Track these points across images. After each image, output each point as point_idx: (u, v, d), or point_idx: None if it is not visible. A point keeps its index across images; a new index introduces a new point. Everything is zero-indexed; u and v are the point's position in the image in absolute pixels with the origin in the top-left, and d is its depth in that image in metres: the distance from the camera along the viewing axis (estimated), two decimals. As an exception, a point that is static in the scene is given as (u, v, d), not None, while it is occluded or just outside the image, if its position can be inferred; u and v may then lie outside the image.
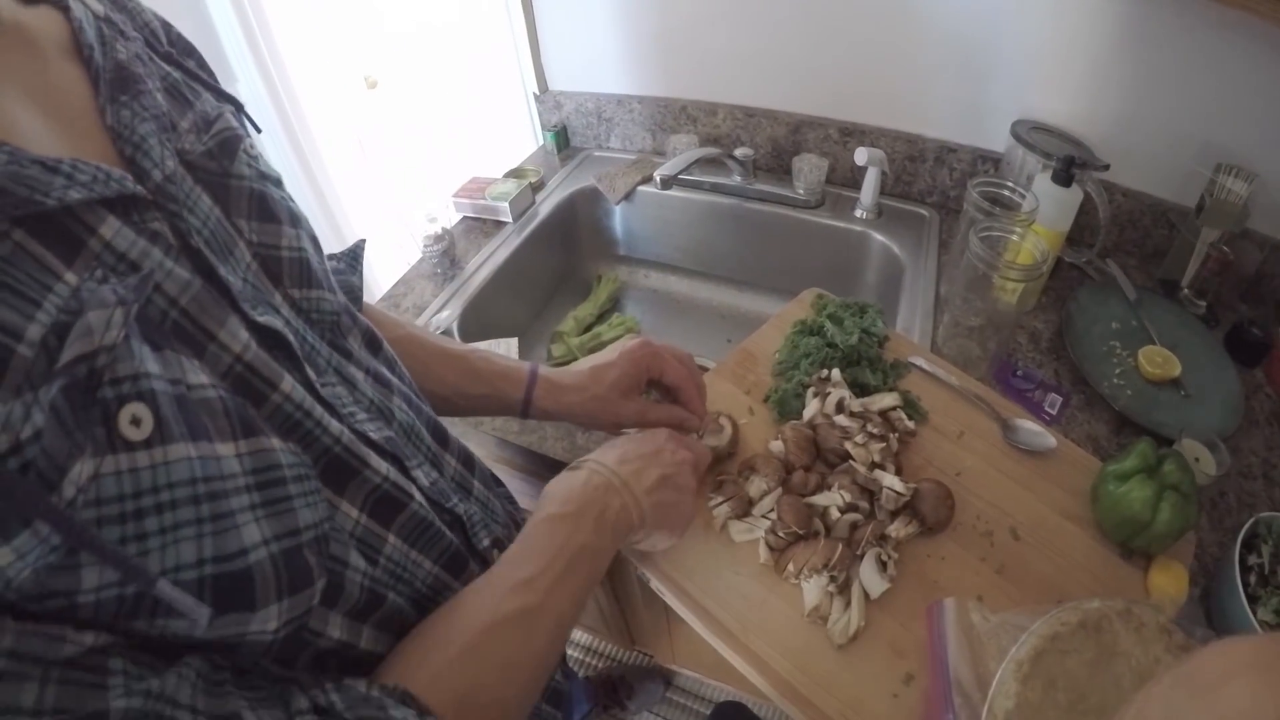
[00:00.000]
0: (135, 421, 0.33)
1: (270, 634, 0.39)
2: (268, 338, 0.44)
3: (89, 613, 0.32)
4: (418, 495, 0.54)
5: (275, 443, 0.41)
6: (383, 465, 0.50)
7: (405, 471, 0.54)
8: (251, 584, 0.37)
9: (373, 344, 0.61)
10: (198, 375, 0.38)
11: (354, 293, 0.72)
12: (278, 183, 0.53)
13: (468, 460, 0.69)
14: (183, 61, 0.53)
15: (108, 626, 0.33)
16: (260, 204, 0.49)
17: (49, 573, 0.30)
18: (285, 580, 0.39)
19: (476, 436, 1.08)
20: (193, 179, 0.45)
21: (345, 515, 0.47)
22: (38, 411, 0.30)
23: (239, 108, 0.55)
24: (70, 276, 0.34)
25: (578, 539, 0.59)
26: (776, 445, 0.85)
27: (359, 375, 0.55)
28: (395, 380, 0.61)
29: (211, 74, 0.57)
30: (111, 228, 0.37)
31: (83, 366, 0.32)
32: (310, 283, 0.52)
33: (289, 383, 0.44)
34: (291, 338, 0.46)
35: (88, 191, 0.35)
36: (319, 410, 0.45)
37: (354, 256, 0.74)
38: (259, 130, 0.58)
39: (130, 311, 0.34)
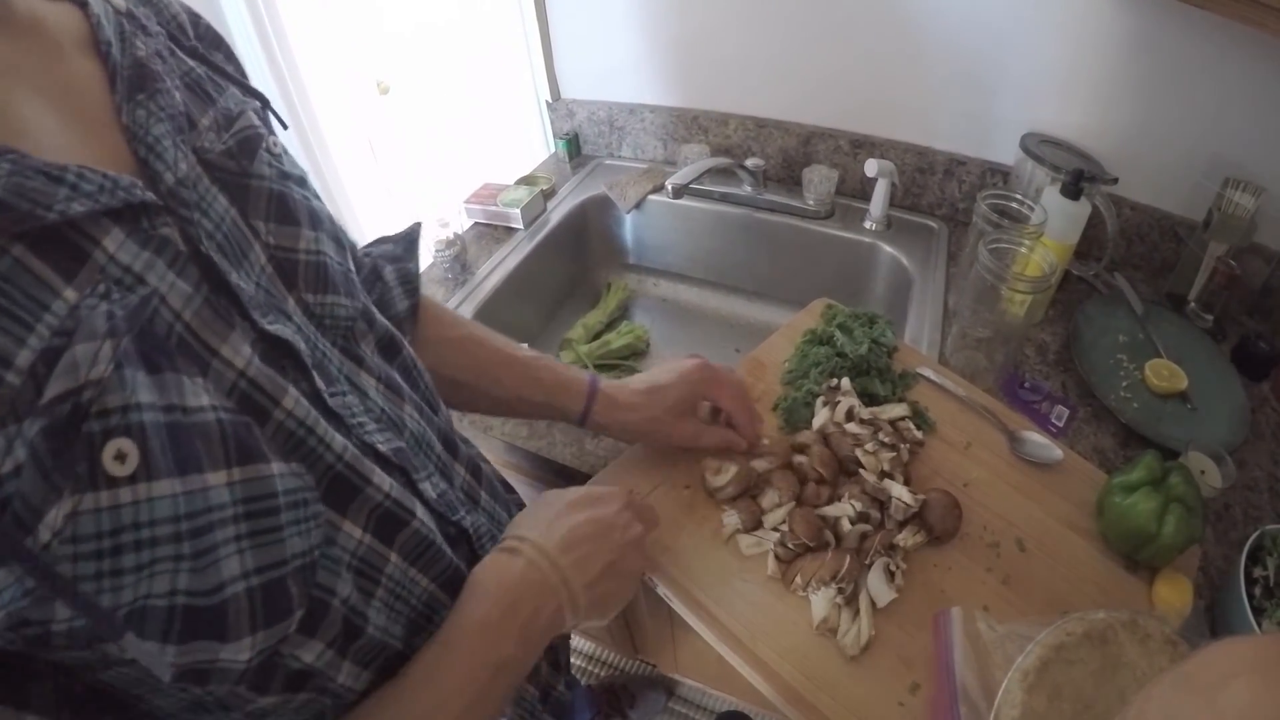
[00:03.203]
0: (120, 457, 0.33)
1: (242, 663, 0.38)
2: (276, 347, 0.44)
3: (62, 640, 0.32)
4: (420, 512, 0.52)
5: (274, 468, 0.40)
6: (386, 482, 0.49)
7: (412, 484, 0.53)
8: (224, 617, 0.37)
9: (389, 349, 0.61)
10: (198, 397, 0.37)
11: (410, 280, 0.72)
12: (301, 181, 0.53)
13: (476, 471, 0.68)
14: (209, 55, 0.52)
15: (83, 648, 0.33)
16: (280, 205, 0.49)
17: (24, 609, 0.30)
18: (261, 613, 0.38)
19: (485, 440, 1.08)
20: (210, 179, 0.44)
21: (348, 536, 0.46)
22: (20, 446, 0.29)
23: (265, 103, 0.55)
24: (70, 293, 0.33)
25: (501, 651, 0.54)
26: (800, 459, 0.85)
27: (371, 384, 0.54)
28: (409, 388, 0.60)
29: (240, 67, 0.57)
30: (116, 240, 0.36)
31: (66, 405, 0.31)
32: (326, 287, 0.51)
33: (292, 398, 0.43)
34: (302, 345, 0.45)
35: (92, 203, 0.34)
36: (323, 426, 0.44)
37: (410, 240, 0.74)
38: (285, 127, 0.58)
39: (120, 344, 0.33)
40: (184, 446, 0.35)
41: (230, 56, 0.56)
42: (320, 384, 0.46)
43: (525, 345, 0.82)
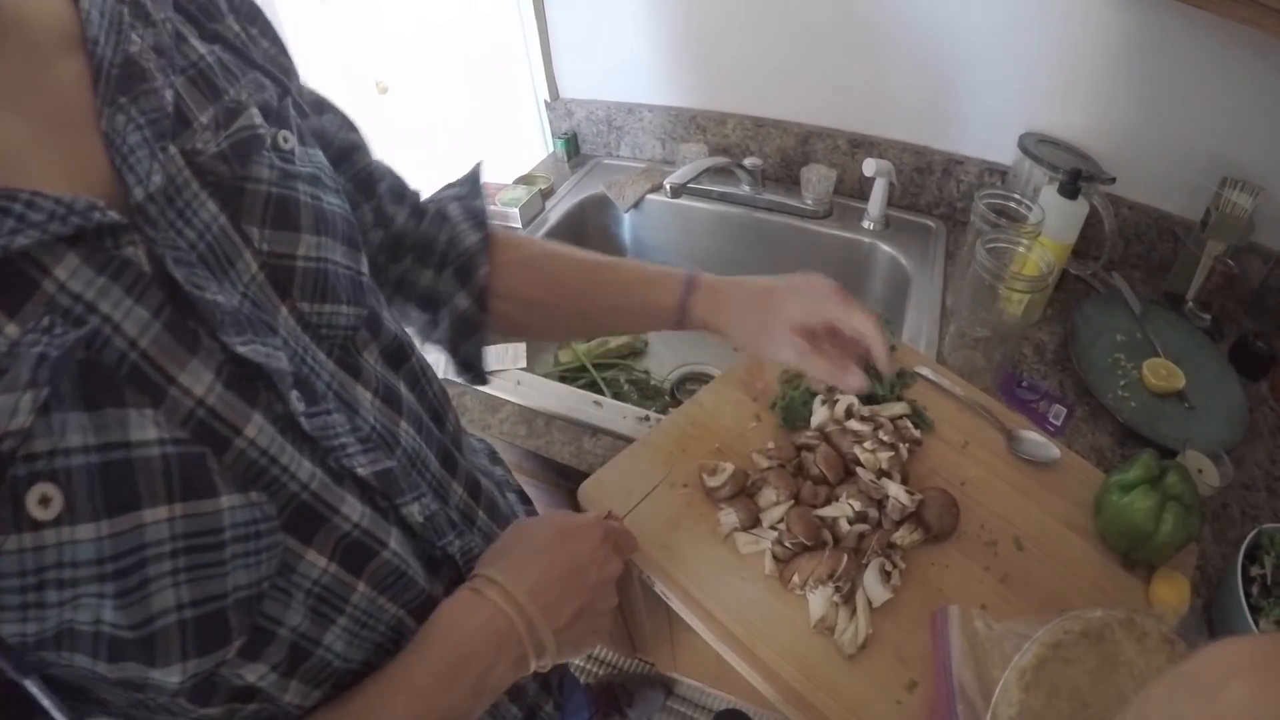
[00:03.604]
0: (44, 501, 0.32)
1: (174, 684, 0.38)
2: (245, 369, 0.41)
3: None
4: (394, 541, 0.50)
5: (222, 502, 0.38)
6: (356, 510, 0.47)
7: (394, 509, 0.51)
8: (151, 648, 0.36)
9: (395, 357, 0.58)
10: (144, 431, 0.36)
11: (478, 215, 0.71)
12: (312, 179, 0.49)
13: (475, 488, 0.64)
14: (243, 30, 0.50)
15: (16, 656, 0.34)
16: (279, 209, 0.46)
17: None
18: (194, 644, 0.38)
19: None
20: (200, 183, 0.42)
21: (311, 565, 0.44)
22: None
23: (286, 89, 0.51)
24: (11, 329, 0.32)
25: (449, 700, 0.52)
26: (806, 456, 0.85)
27: (365, 397, 0.52)
28: (413, 398, 0.58)
29: (277, 41, 0.54)
30: (69, 267, 0.34)
31: None
32: (325, 296, 0.48)
33: (255, 425, 0.41)
34: (281, 364, 0.43)
35: (38, 233, 0.33)
36: (288, 454, 0.43)
37: (473, 180, 0.74)
38: (306, 116, 0.54)
39: (40, 395, 0.32)
40: (118, 486, 0.35)
41: (266, 29, 0.53)
42: (297, 405, 0.44)
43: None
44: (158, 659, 0.37)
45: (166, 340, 0.38)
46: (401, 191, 0.70)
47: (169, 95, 0.41)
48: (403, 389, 0.57)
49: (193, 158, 0.42)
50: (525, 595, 0.55)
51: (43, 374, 0.32)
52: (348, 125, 0.66)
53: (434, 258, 0.71)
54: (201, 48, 0.45)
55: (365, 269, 0.54)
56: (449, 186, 0.77)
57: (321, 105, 0.64)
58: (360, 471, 0.48)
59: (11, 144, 0.35)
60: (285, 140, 0.48)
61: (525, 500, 0.85)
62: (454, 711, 0.52)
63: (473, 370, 0.77)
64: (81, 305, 0.34)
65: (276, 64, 0.52)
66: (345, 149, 0.64)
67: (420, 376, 0.61)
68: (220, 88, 0.45)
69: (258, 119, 0.46)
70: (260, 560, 0.40)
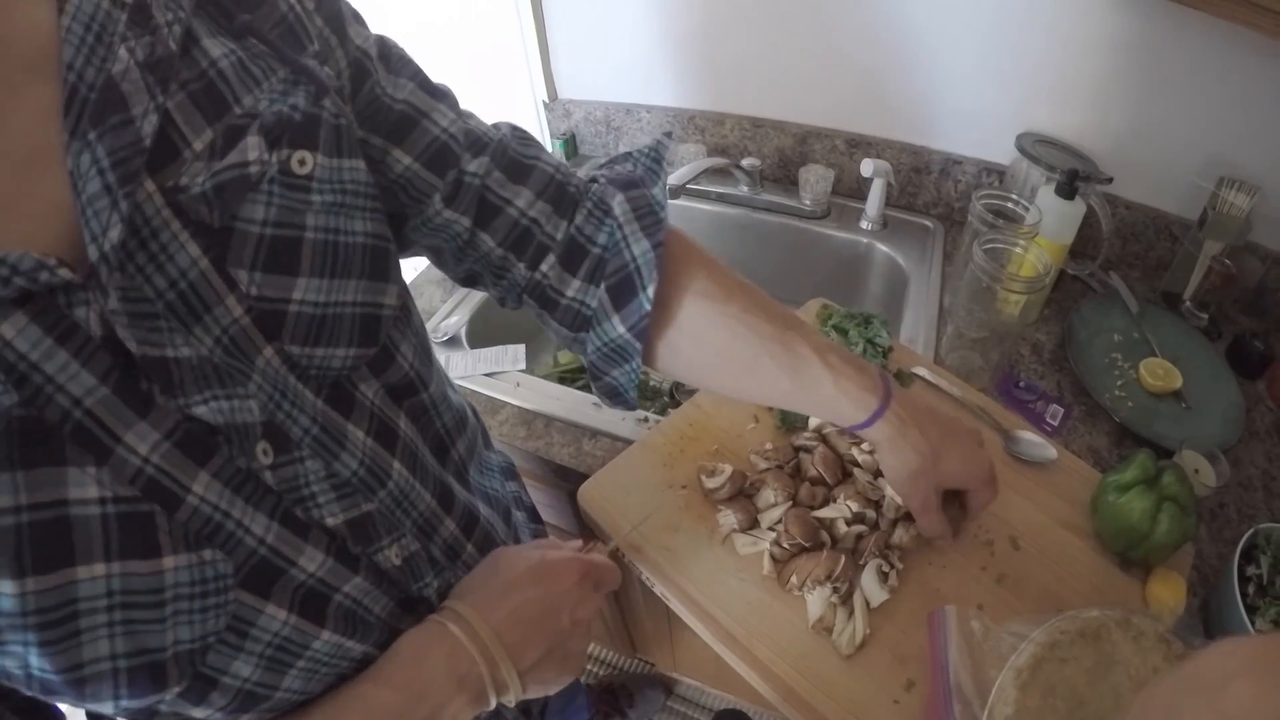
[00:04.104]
0: None
1: (109, 714, 0.38)
2: (202, 426, 0.39)
3: None
4: (350, 586, 0.48)
5: (168, 561, 0.37)
6: (315, 560, 0.45)
7: (364, 554, 0.49)
8: (80, 688, 0.36)
9: (400, 392, 0.54)
10: (84, 489, 0.35)
11: (649, 212, 0.59)
12: (330, 209, 0.45)
13: (470, 523, 0.60)
14: (295, 5, 0.45)
15: None
16: (272, 252, 0.42)
17: None
18: (126, 688, 0.37)
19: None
20: (181, 222, 0.38)
21: (271, 618, 0.43)
22: None
23: (322, 89, 0.45)
24: None
25: None
26: (804, 458, 0.86)
27: (356, 435, 0.48)
28: (410, 434, 0.54)
29: (332, 7, 0.49)
30: (15, 325, 0.32)
31: None
32: (319, 340, 0.45)
33: (202, 483, 0.39)
34: (251, 415, 0.41)
35: None
36: (240, 509, 0.41)
37: (656, 157, 0.62)
38: (339, 119, 0.46)
39: None
40: (47, 543, 0.34)
41: (318, 8, 0.47)
42: (262, 459, 0.42)
43: (803, 322, 0.67)
44: (87, 699, 0.36)
45: (113, 403, 0.35)
46: (519, 165, 0.58)
47: (151, 124, 0.36)
48: (401, 424, 0.53)
49: (174, 196, 0.38)
50: (491, 634, 0.54)
51: None
52: (422, 85, 0.56)
53: (586, 263, 0.60)
54: (216, 50, 0.40)
55: (392, 300, 0.50)
56: (620, 160, 0.64)
57: (392, 60, 0.56)
58: (329, 522, 0.46)
59: None
60: (301, 164, 0.43)
61: (536, 519, 0.84)
62: None
63: (618, 398, 0.66)
64: (25, 363, 0.32)
65: (328, 43, 0.48)
66: (414, 114, 0.54)
67: (429, 409, 0.57)
68: (230, 99, 0.40)
69: (253, 153, 0.41)
70: (205, 618, 0.39)
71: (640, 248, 0.58)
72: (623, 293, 0.58)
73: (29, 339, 0.32)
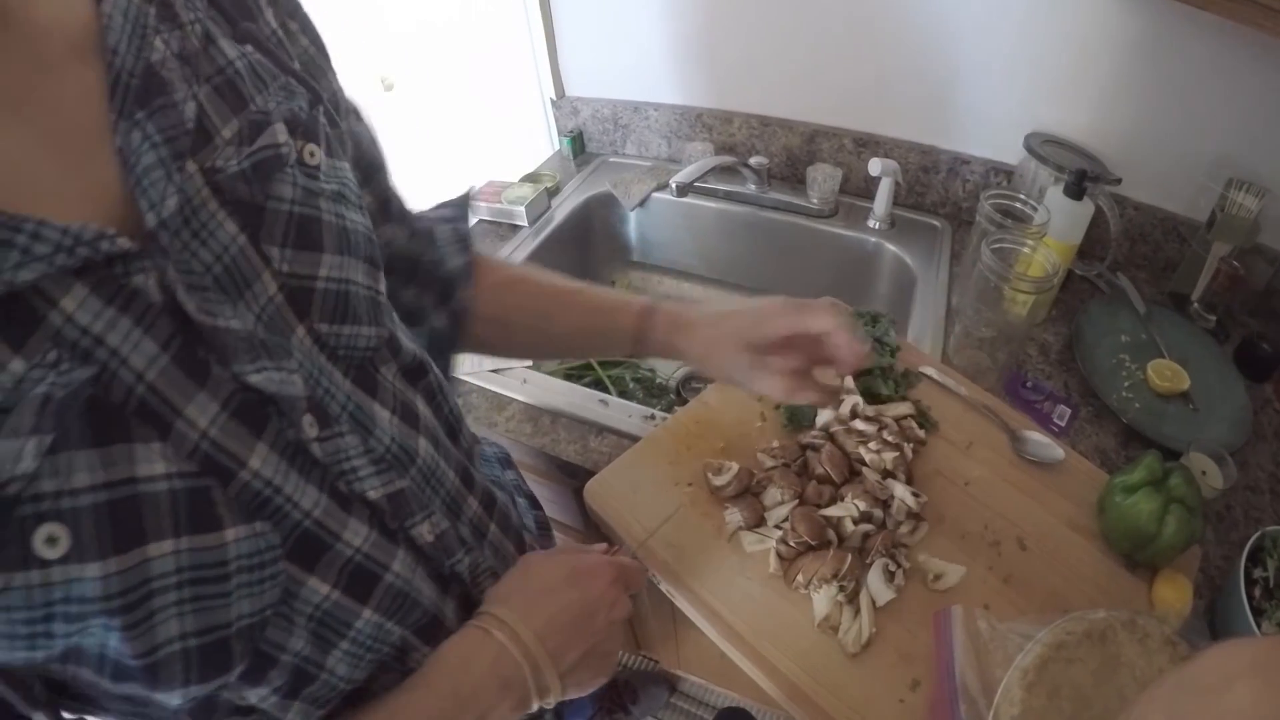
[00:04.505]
0: (51, 541, 0.32)
1: (175, 706, 0.38)
2: (257, 395, 0.41)
3: None
4: (398, 563, 0.50)
5: (228, 534, 0.38)
6: (360, 535, 0.47)
7: (401, 530, 0.51)
8: (154, 673, 0.36)
9: (414, 373, 0.57)
10: (151, 465, 0.35)
11: (464, 238, 0.72)
12: (336, 197, 0.48)
13: (490, 502, 0.64)
14: (281, 26, 0.48)
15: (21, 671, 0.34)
16: (300, 229, 0.44)
17: None
18: (196, 670, 0.38)
19: (490, 437, 1.09)
20: (218, 201, 0.40)
21: (313, 591, 0.44)
22: None
23: (317, 98, 0.49)
24: (17, 364, 0.31)
25: None
26: (811, 455, 0.86)
27: (383, 415, 0.51)
28: (430, 413, 0.57)
29: (315, 37, 0.53)
30: (76, 298, 0.33)
31: None
32: (345, 317, 0.47)
33: (259, 456, 0.40)
34: (294, 389, 0.43)
35: (45, 267, 0.31)
36: (293, 482, 0.42)
37: (463, 204, 0.74)
38: (335, 124, 0.51)
39: (44, 442, 0.32)
40: (125, 522, 0.35)
41: (306, 26, 0.52)
42: (309, 431, 0.44)
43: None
44: (160, 684, 0.37)
45: (174, 373, 0.37)
46: (404, 213, 0.69)
47: (190, 109, 0.39)
48: (420, 405, 0.56)
49: (212, 176, 0.40)
50: (533, 638, 0.55)
51: (47, 420, 0.32)
52: (377, 141, 0.64)
53: (418, 276, 0.69)
54: (231, 51, 0.43)
55: (384, 289, 0.53)
56: (440, 206, 0.77)
57: (358, 114, 0.62)
58: (371, 495, 0.48)
59: (17, 161, 0.33)
60: (311, 155, 0.46)
61: (535, 505, 0.85)
62: None
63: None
64: (89, 338, 0.33)
65: (312, 65, 0.51)
66: (375, 165, 0.62)
67: (436, 393, 0.60)
68: (247, 97, 0.43)
69: (282, 136, 0.44)
70: (264, 589, 0.40)
71: (458, 262, 0.72)
72: (446, 294, 0.70)
73: (90, 311, 0.33)
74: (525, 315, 0.77)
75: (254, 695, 0.43)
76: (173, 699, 0.38)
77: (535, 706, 0.56)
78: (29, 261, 0.31)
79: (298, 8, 0.51)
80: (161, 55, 0.38)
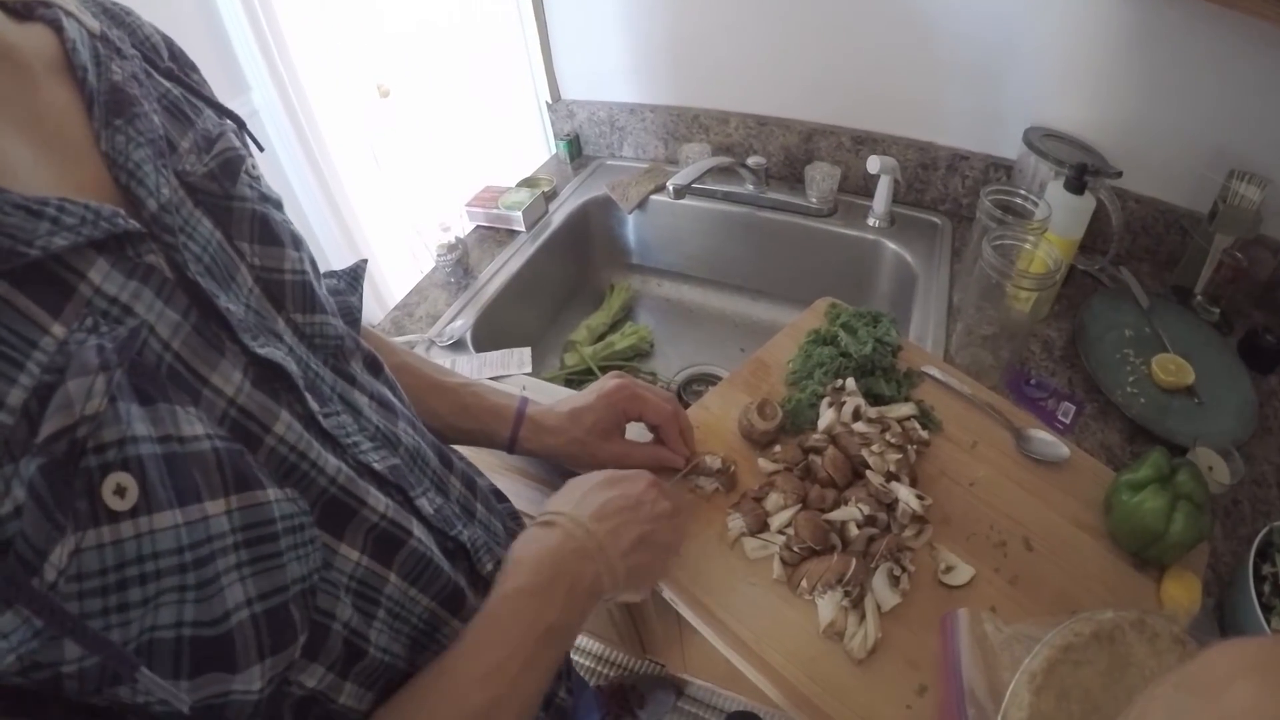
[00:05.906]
0: (119, 491, 0.32)
1: (255, 693, 0.38)
2: (267, 371, 0.43)
3: (74, 684, 0.31)
4: (417, 530, 0.52)
5: (270, 494, 0.39)
6: (381, 501, 0.49)
7: (409, 502, 0.53)
8: (231, 647, 0.37)
9: (374, 367, 0.61)
10: (192, 426, 0.36)
11: (352, 314, 0.70)
12: (278, 205, 0.52)
13: (471, 484, 0.68)
14: (185, 76, 0.52)
15: (93, 692, 0.32)
16: (263, 226, 0.48)
17: (34, 651, 0.30)
18: (267, 640, 0.38)
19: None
20: (193, 202, 0.44)
21: (345, 558, 0.46)
22: (18, 486, 0.29)
23: (241, 125, 0.54)
24: (57, 329, 0.32)
25: (547, 617, 0.56)
26: (814, 459, 0.85)
27: (363, 401, 0.54)
28: (398, 404, 0.60)
29: (210, 91, 0.56)
30: (101, 271, 0.35)
31: (63, 442, 0.30)
32: (313, 307, 0.51)
33: (284, 423, 0.42)
34: (294, 367, 0.45)
35: (74, 235, 0.34)
36: (315, 449, 0.44)
37: (354, 276, 0.72)
38: (261, 149, 0.56)
39: (112, 377, 0.32)
40: (182, 477, 0.35)
41: (202, 81, 0.55)
42: (314, 405, 0.46)
43: (458, 373, 0.86)
44: (239, 660, 0.37)
45: (196, 342, 0.39)
46: (315, 262, 0.70)
47: (158, 118, 0.43)
48: (389, 393, 0.60)
49: (184, 178, 0.44)
50: (591, 520, 0.63)
51: (110, 358, 0.32)
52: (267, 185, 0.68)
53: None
54: (166, 82, 0.48)
55: (327, 284, 0.57)
56: (329, 276, 0.75)
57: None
58: (376, 466, 0.50)
59: (21, 161, 0.36)
60: (253, 168, 0.51)
61: (501, 498, 0.85)
62: (553, 630, 0.56)
63: None
64: (118, 307, 0.36)
65: (220, 108, 0.54)
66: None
67: (396, 386, 0.64)
68: (190, 117, 0.47)
69: (235, 141, 0.49)
70: (309, 552, 0.42)
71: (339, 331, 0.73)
72: (374, 361, 0.69)
73: (115, 282, 0.36)
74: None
75: (311, 676, 0.44)
76: (253, 682, 0.38)
77: (606, 587, 0.61)
78: (60, 230, 0.33)
79: (194, 65, 0.55)
80: (122, 76, 0.42)
